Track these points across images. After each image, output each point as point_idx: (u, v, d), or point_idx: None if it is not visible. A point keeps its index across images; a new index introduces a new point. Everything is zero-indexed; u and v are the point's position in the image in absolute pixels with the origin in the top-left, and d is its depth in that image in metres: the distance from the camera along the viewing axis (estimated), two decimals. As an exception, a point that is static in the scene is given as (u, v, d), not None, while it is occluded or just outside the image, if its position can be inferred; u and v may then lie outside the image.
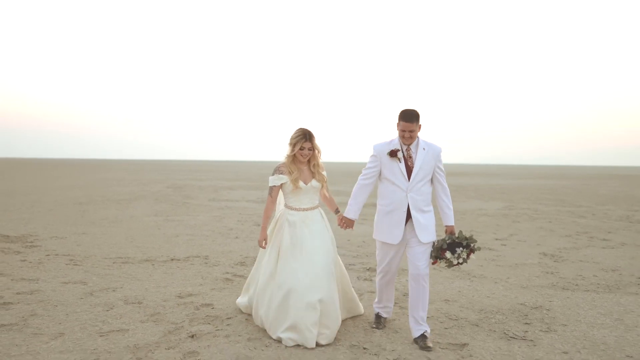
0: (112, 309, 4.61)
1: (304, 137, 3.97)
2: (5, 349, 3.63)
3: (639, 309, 4.84)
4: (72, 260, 6.73)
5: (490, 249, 8.01)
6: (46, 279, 5.68)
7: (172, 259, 6.90)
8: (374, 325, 4.20)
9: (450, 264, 3.85)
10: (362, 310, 4.51)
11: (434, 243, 3.96)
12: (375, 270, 6.38)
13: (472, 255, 3.86)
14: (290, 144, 4.01)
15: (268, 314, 3.91)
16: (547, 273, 6.36)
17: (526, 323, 4.39)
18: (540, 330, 4.20)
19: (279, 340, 3.81)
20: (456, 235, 3.89)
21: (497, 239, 9.10)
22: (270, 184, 4.06)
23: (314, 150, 4.04)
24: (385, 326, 4.21)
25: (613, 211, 14.54)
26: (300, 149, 3.98)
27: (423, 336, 3.85)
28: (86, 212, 12.36)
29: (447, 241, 3.85)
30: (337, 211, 4.26)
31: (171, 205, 14.47)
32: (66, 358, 3.49)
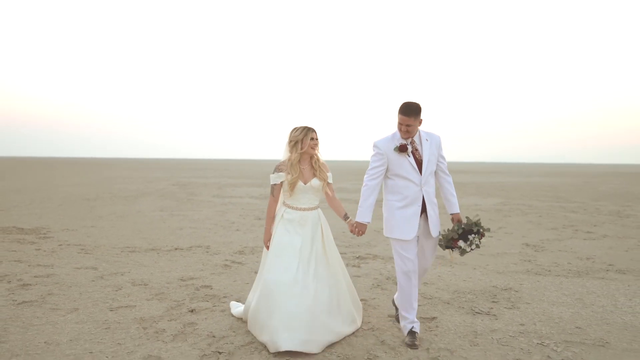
0: (120, 289, 5.12)
1: (309, 129, 3.92)
2: (28, 320, 4.14)
3: (600, 290, 5.29)
4: (83, 249, 7.24)
5: (476, 240, 8.45)
6: (60, 265, 6.19)
7: (176, 249, 7.40)
8: (409, 343, 3.72)
9: (463, 252, 3.76)
10: (358, 324, 4.06)
11: (440, 233, 3.88)
12: (365, 258, 6.85)
13: (482, 240, 3.80)
14: (297, 140, 3.90)
15: (252, 310, 3.84)
16: (525, 261, 6.81)
17: (493, 301, 4.85)
18: (505, 307, 4.66)
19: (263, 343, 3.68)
20: (463, 223, 3.82)
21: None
22: (271, 182, 4.00)
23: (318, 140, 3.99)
24: (420, 345, 3.73)
25: (605, 206, 14.91)
26: (311, 139, 3.91)
27: (411, 332, 3.77)
28: (94, 208, 12.91)
29: (458, 231, 3.76)
30: (346, 217, 3.98)
31: (176, 202, 14.99)
32: (81, 327, 3.99)
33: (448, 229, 3.83)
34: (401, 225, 3.79)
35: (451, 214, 3.96)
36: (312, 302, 3.65)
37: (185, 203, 14.61)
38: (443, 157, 3.96)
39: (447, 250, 3.85)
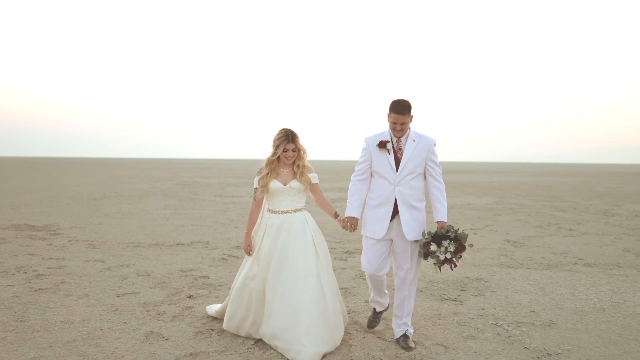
0: (126, 279, 5.65)
1: (286, 139, 3.76)
2: (45, 304, 4.69)
3: (563, 281, 5.78)
4: (91, 244, 7.79)
5: (461, 237, 8.95)
6: (70, 258, 6.74)
7: (177, 244, 7.94)
8: (371, 319, 4.13)
9: (437, 260, 3.56)
10: (339, 341, 3.83)
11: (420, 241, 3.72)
12: (353, 252, 7.38)
13: (463, 254, 3.59)
14: (273, 145, 3.81)
15: (245, 316, 3.85)
16: (502, 255, 7.31)
17: (462, 290, 5.36)
18: (471, 295, 5.17)
19: (254, 337, 3.84)
20: (446, 230, 3.64)
21: (471, 229, 10.02)
22: (254, 186, 3.91)
23: (298, 151, 3.83)
24: (379, 321, 4.15)
25: (595, 206, 15.35)
26: (284, 151, 3.78)
27: (405, 336, 3.82)
28: (101, 206, 13.48)
29: (432, 234, 3.61)
30: (336, 215, 3.90)
31: (179, 201, 15.56)
32: (91, 310, 4.53)
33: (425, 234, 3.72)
34: (372, 224, 3.78)
35: (436, 222, 3.76)
36: (303, 309, 3.58)
37: (188, 202, 15.17)
38: (435, 163, 3.79)
39: (431, 264, 3.68)
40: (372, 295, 4.09)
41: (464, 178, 35.33)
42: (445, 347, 3.78)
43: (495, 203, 15.98)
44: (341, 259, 6.90)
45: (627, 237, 9.11)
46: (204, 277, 5.82)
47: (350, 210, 3.79)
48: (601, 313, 4.61)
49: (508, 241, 8.58)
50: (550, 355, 3.64)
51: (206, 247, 7.75)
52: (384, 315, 4.35)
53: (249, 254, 3.90)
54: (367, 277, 3.99)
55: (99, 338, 3.86)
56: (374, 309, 4.14)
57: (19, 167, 51.36)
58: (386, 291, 4.12)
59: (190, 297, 4.99)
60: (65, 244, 7.75)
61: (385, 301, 4.12)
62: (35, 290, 5.10)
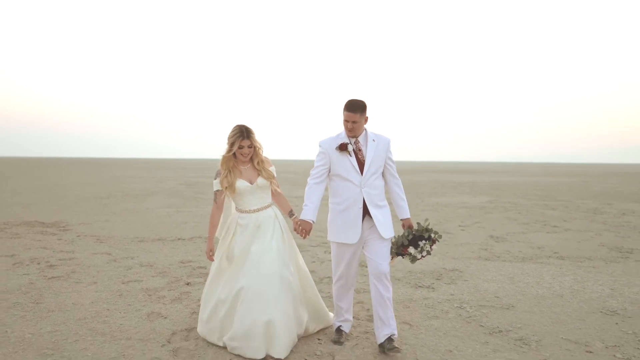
0: (130, 269, 6.18)
1: (241, 135, 3.69)
2: (58, 289, 5.22)
3: (533, 272, 6.26)
4: (98, 239, 8.34)
5: (448, 233, 9.42)
6: (79, 251, 7.28)
7: (179, 239, 8.48)
8: (334, 340, 3.87)
9: (414, 259, 3.73)
10: (330, 321, 4.11)
11: (392, 240, 3.82)
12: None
13: (434, 246, 3.75)
14: (228, 142, 3.73)
15: (215, 320, 3.77)
16: (482, 249, 7.79)
17: (437, 279, 5.85)
18: (445, 283, 5.66)
19: (224, 346, 3.68)
20: (415, 228, 3.78)
21: (459, 226, 10.50)
22: (214, 189, 3.83)
23: (254, 147, 3.78)
24: (346, 341, 3.90)
25: (587, 204, 15.76)
26: (239, 148, 3.72)
27: (389, 339, 3.68)
28: (107, 205, 14.04)
29: (408, 237, 3.72)
30: (291, 214, 3.88)
31: (183, 200, 16.11)
32: (99, 294, 5.06)
33: (398, 235, 3.82)
34: (344, 229, 3.73)
35: (402, 220, 3.88)
36: (278, 308, 3.57)
37: (191, 201, 15.72)
38: (392, 160, 3.85)
39: (397, 257, 3.83)
40: (342, 313, 3.97)
41: (463, 178, 35.75)
42: (410, 325, 4.28)
43: (488, 202, 16.43)
44: (327, 252, 7.40)
45: (607, 234, 9.55)
46: (201, 267, 6.34)
47: (306, 214, 3.69)
48: (559, 298, 5.09)
49: (491, 237, 9.06)
50: (501, 331, 4.13)
51: (206, 241, 8.27)
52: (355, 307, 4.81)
53: (211, 259, 3.89)
54: (337, 286, 3.91)
55: (107, 317, 4.39)
56: (339, 327, 3.96)
57: (19, 167, 52.16)
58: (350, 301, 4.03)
59: (188, 284, 5.51)
60: (74, 239, 8.29)
61: (351, 319, 4.04)
62: (49, 278, 5.64)
